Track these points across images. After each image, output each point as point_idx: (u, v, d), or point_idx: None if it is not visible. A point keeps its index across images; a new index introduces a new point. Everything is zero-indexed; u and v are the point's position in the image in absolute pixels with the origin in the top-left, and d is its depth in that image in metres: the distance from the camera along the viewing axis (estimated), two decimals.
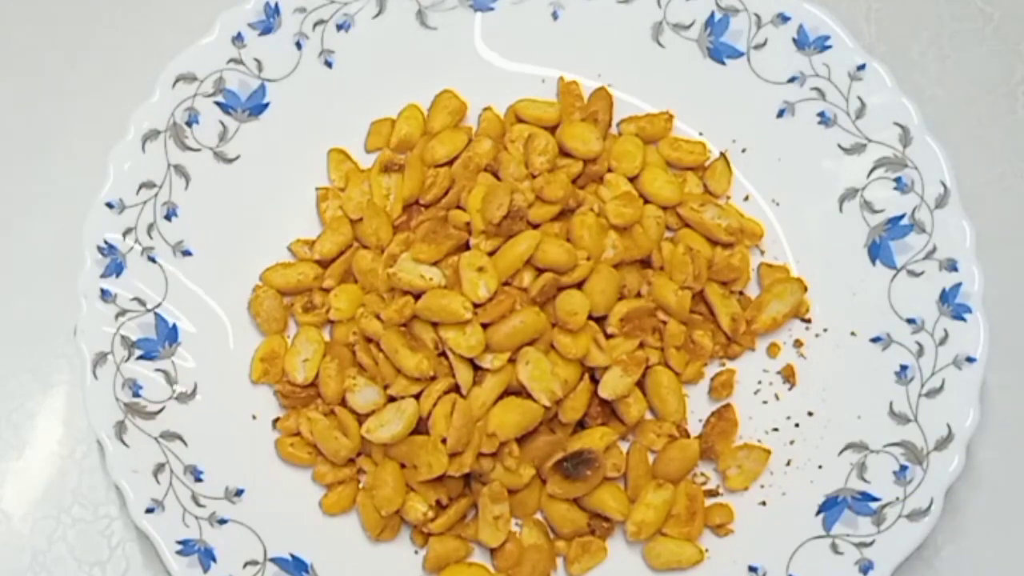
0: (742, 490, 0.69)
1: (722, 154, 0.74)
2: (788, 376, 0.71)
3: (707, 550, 0.68)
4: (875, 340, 0.70)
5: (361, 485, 0.69)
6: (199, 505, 0.67)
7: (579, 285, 0.68)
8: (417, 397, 0.67)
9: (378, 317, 0.68)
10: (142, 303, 0.69)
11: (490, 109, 0.75)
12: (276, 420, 0.70)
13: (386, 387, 0.68)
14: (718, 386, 0.71)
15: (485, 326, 0.66)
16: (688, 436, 0.70)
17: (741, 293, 0.72)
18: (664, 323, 0.70)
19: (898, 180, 0.71)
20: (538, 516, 0.69)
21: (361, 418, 0.68)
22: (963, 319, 0.68)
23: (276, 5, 0.74)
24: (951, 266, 0.69)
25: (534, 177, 0.70)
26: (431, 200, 0.72)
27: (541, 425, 0.67)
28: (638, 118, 0.75)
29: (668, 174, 0.73)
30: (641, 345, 0.69)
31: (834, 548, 0.66)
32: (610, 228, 0.70)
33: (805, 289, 0.72)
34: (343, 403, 0.68)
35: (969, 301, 0.68)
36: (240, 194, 0.73)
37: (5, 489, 0.71)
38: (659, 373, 0.69)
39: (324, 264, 0.72)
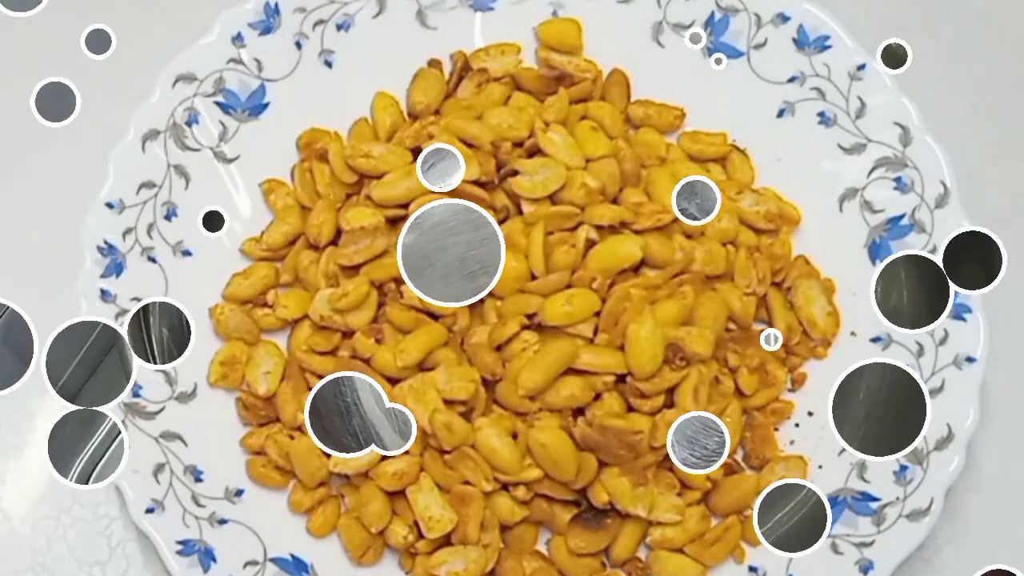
0: None
1: (734, 146, 0.74)
2: None
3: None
4: (875, 340, 0.70)
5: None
6: (199, 505, 0.67)
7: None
8: None
9: (314, 350, 0.69)
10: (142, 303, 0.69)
11: (461, 52, 0.74)
12: (242, 439, 0.69)
13: None
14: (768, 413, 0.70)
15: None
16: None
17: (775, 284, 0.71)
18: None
19: (898, 180, 0.71)
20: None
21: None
22: (963, 319, 0.68)
23: (276, 5, 0.74)
24: None
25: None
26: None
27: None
28: (649, 103, 0.74)
29: (696, 166, 0.72)
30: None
31: (834, 548, 0.66)
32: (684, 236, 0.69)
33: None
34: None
35: (969, 301, 0.68)
36: (240, 194, 0.73)
37: (5, 489, 0.71)
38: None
39: (277, 257, 0.71)
